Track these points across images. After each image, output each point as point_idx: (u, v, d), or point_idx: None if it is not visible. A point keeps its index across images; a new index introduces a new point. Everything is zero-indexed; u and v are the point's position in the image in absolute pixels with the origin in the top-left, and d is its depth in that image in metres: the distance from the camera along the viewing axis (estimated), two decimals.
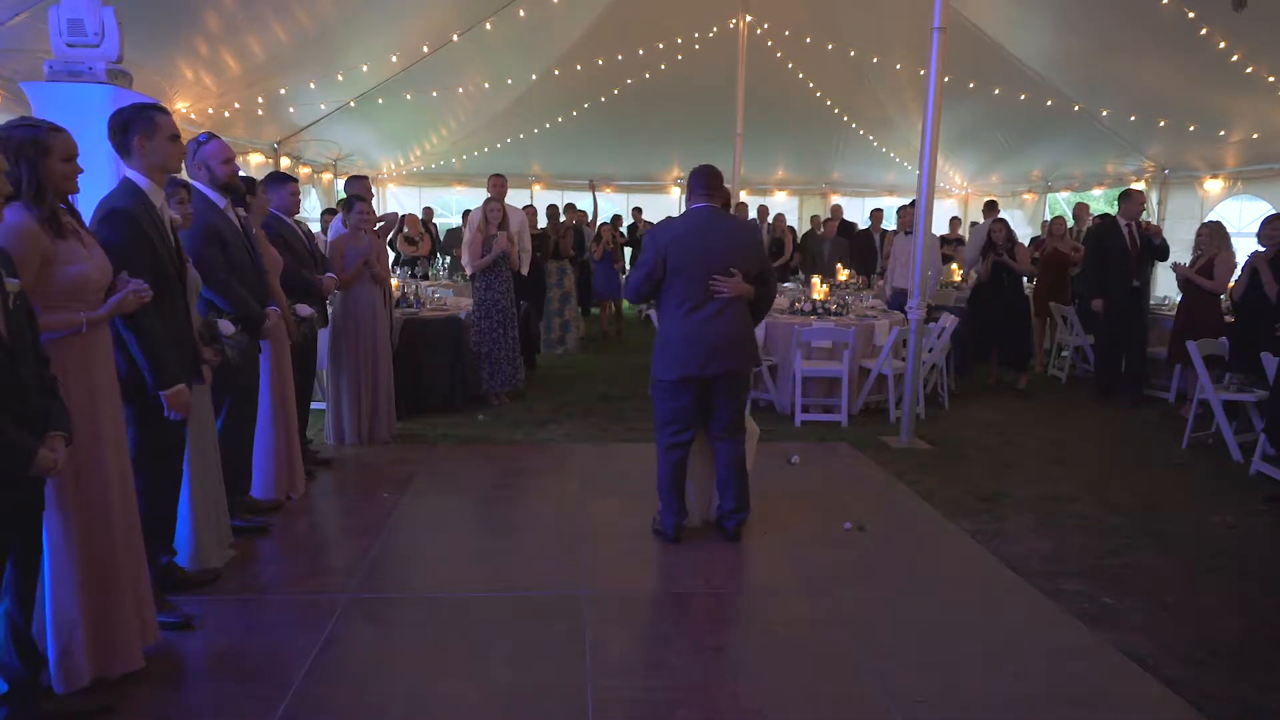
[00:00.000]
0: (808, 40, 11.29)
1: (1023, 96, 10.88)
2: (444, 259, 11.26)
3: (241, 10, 7.25)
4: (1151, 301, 8.36)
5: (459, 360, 6.98)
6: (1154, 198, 11.27)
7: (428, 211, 13.14)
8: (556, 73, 11.83)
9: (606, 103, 12.72)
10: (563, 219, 10.77)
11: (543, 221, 10.55)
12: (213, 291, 3.95)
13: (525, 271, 8.23)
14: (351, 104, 10.67)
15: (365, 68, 9.65)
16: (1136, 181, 12.02)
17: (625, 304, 12.81)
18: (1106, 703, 2.96)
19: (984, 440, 6.45)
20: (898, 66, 11.22)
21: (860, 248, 12.05)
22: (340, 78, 9.59)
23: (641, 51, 11.45)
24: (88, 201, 3.09)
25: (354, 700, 2.89)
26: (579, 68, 11.65)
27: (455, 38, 10.03)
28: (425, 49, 10.01)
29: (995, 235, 8.37)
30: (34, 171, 2.59)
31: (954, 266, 10.76)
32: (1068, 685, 3.05)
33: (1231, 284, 6.85)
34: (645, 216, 13.80)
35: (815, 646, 3.32)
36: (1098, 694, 3.01)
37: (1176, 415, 7.19)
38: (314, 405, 6.78)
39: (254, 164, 9.78)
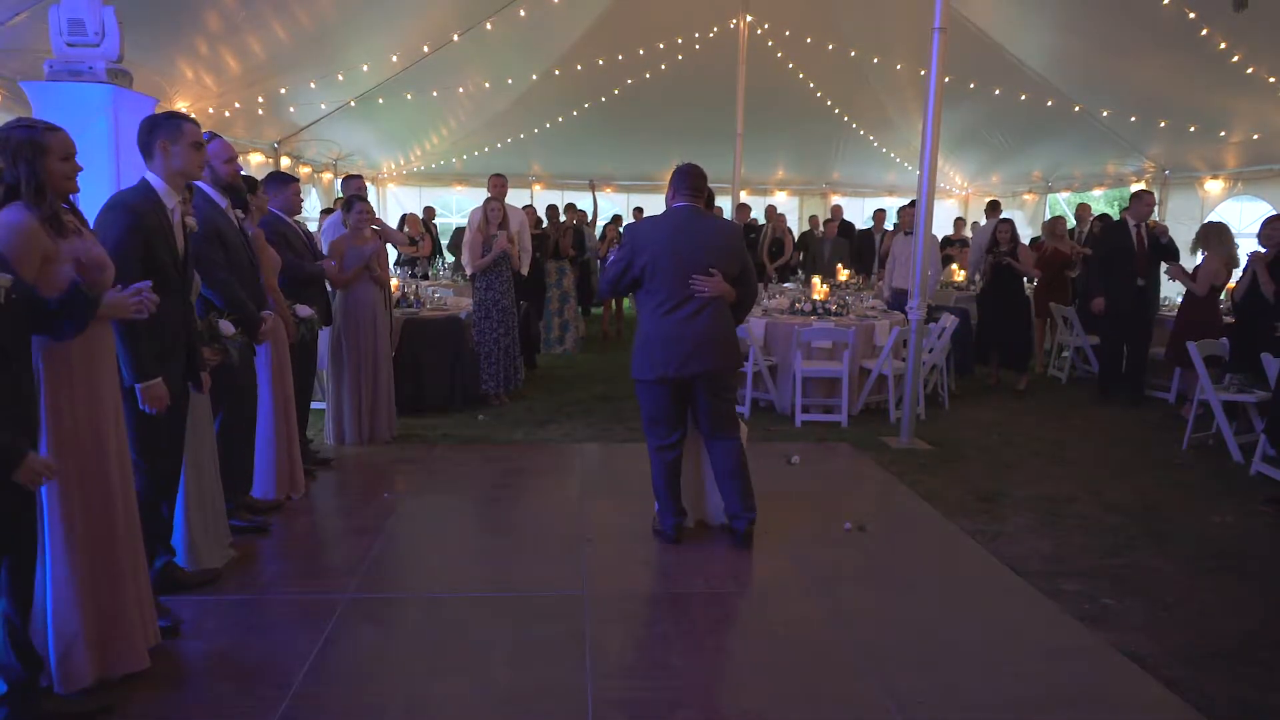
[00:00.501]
0: (808, 40, 11.29)
1: (1023, 97, 10.88)
2: (443, 260, 11.26)
3: (241, 10, 7.25)
4: (1163, 302, 8.36)
5: (459, 360, 6.98)
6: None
7: (428, 211, 13.14)
8: (556, 73, 11.83)
9: (606, 103, 12.71)
10: (563, 219, 10.77)
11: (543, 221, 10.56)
12: (212, 291, 3.95)
13: (525, 271, 8.23)
14: (352, 104, 10.67)
15: (365, 68, 9.65)
16: (1137, 182, 12.03)
17: (626, 303, 12.82)
18: (1106, 703, 2.96)
19: (984, 440, 6.45)
20: (898, 66, 11.22)
21: (861, 248, 12.06)
22: (340, 78, 9.59)
23: (641, 51, 11.45)
24: (88, 200, 3.09)
25: (354, 700, 2.89)
26: (579, 68, 11.65)
27: (455, 38, 10.03)
28: (425, 49, 10.01)
29: (1000, 235, 8.38)
30: (32, 171, 2.60)
31: (954, 266, 10.77)
32: (1068, 685, 3.05)
33: (1232, 284, 6.85)
34: (645, 216, 13.79)
35: (815, 646, 3.32)
36: (1098, 694, 3.00)
37: (1176, 415, 7.19)
38: (314, 405, 6.79)
39: (254, 164, 9.78)
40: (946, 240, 12.22)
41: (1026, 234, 12.58)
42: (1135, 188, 12.06)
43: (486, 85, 11.71)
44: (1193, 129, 9.75)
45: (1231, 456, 5.97)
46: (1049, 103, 10.80)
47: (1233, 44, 7.70)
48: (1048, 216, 11.64)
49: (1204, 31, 7.59)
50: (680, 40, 11.40)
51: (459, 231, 12.20)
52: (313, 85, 9.53)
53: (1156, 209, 10.98)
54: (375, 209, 6.67)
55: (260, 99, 9.11)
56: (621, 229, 12.77)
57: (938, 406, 7.50)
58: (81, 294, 2.48)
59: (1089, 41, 9.18)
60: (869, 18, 10.60)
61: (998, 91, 10.96)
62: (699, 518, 4.50)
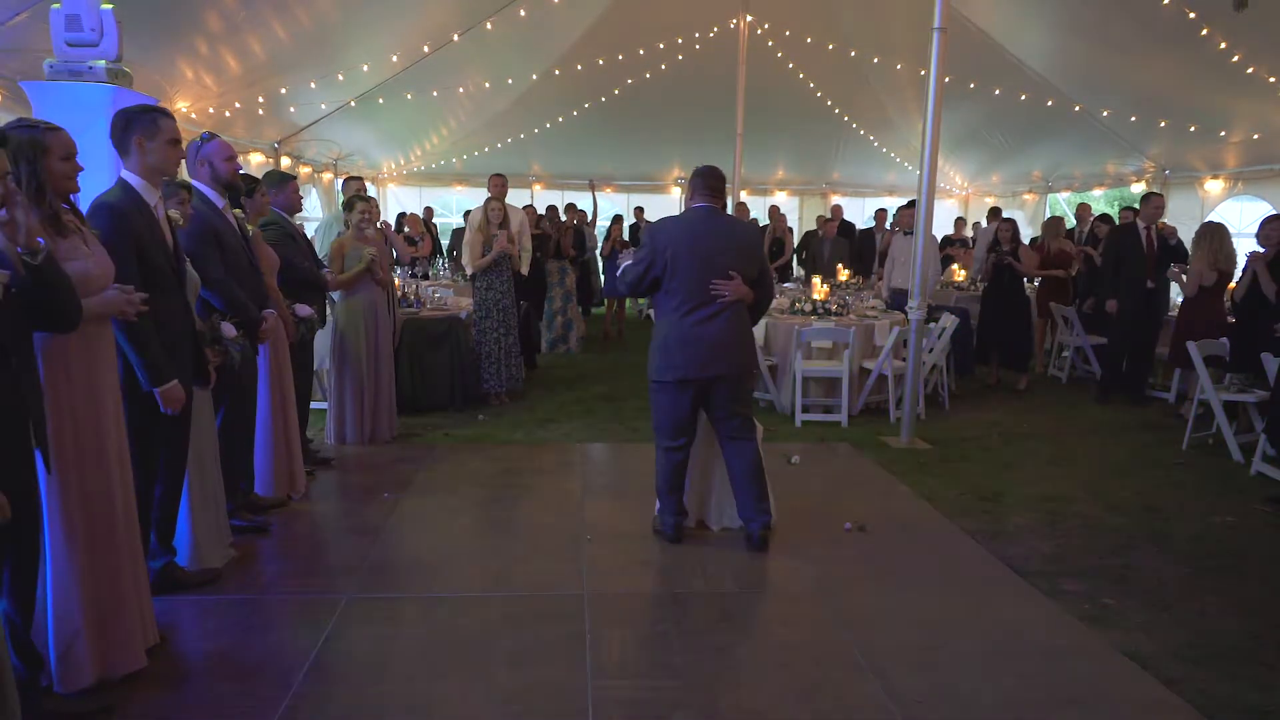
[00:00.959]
0: (808, 40, 11.28)
1: (1023, 97, 10.88)
2: (443, 260, 11.25)
3: (242, 10, 7.25)
4: (1170, 302, 8.36)
5: (459, 360, 6.98)
6: None
7: (428, 211, 13.15)
8: (556, 73, 11.82)
9: (606, 103, 12.71)
10: (563, 219, 10.78)
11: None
12: (209, 291, 3.95)
13: (525, 271, 8.23)
14: (352, 104, 10.67)
15: (366, 67, 9.64)
16: (1137, 182, 12.03)
17: (627, 304, 12.81)
18: (1106, 703, 2.96)
19: (984, 440, 6.45)
20: (898, 66, 11.22)
21: (862, 247, 12.06)
22: (341, 77, 9.58)
23: (641, 51, 11.44)
24: (87, 201, 3.10)
25: (354, 700, 2.89)
26: (579, 68, 11.65)
27: (455, 37, 10.03)
28: (426, 49, 10.00)
29: (1001, 235, 8.38)
30: (33, 171, 2.60)
31: (955, 267, 10.77)
32: (1068, 685, 3.05)
33: (1232, 285, 6.86)
34: (647, 216, 13.81)
35: (815, 646, 3.32)
36: (1098, 694, 3.00)
37: (1177, 415, 7.19)
38: (315, 405, 6.80)
39: (254, 164, 9.78)
40: (946, 240, 12.23)
41: (1026, 234, 12.59)
42: (1136, 188, 12.08)
43: (486, 85, 11.71)
44: (1193, 129, 9.75)
45: (1231, 456, 5.97)
46: (1049, 103, 10.79)
47: (1233, 44, 7.70)
48: (1048, 216, 11.64)
49: (1204, 31, 7.58)
50: (680, 40, 11.40)
51: (458, 232, 12.23)
52: (313, 85, 9.53)
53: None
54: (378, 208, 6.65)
55: (260, 99, 9.11)
56: (631, 227, 12.84)
57: (938, 406, 7.50)
58: (53, 260, 2.46)
59: (1089, 41, 9.17)
60: (869, 18, 10.60)
61: (998, 91, 10.96)
62: (699, 519, 4.50)
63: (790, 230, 12.92)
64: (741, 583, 3.90)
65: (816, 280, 8.47)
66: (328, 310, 5.70)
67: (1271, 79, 7.91)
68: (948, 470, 5.67)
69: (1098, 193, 13.93)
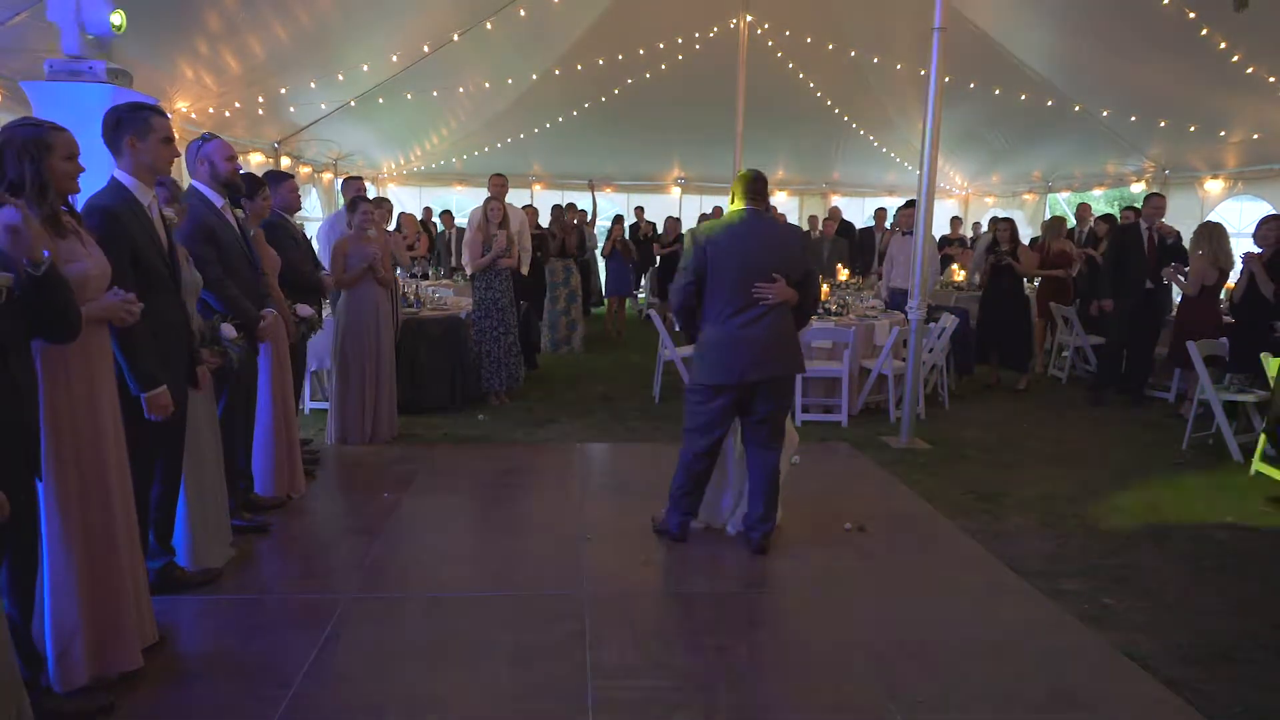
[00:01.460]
0: (808, 40, 11.28)
1: (1023, 96, 10.88)
2: (440, 259, 11.26)
3: (242, 10, 7.25)
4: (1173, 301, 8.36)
5: (459, 360, 6.99)
6: None
7: (427, 211, 13.15)
8: (556, 73, 11.82)
9: (606, 103, 12.71)
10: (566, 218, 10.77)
11: (545, 221, 10.56)
12: (206, 290, 3.94)
13: (526, 271, 8.24)
14: (352, 104, 10.67)
15: (365, 67, 9.64)
16: (1137, 182, 12.03)
17: (627, 303, 12.82)
18: (1106, 703, 2.96)
19: (984, 440, 6.45)
20: (898, 66, 11.21)
21: (861, 246, 12.06)
22: (340, 77, 9.58)
23: (641, 51, 11.44)
24: (84, 201, 3.09)
25: (354, 700, 2.89)
26: (579, 68, 11.65)
27: (455, 37, 10.02)
28: (426, 49, 10.00)
29: (999, 235, 8.38)
30: (37, 170, 2.59)
31: (954, 266, 10.77)
32: (1068, 685, 3.05)
33: (1231, 285, 6.86)
34: (647, 216, 13.82)
35: (815, 646, 3.32)
36: (1098, 694, 3.01)
37: (1176, 415, 7.19)
38: (315, 405, 6.81)
39: (254, 163, 9.78)
40: (944, 240, 12.23)
41: (1026, 234, 12.59)
42: (1135, 188, 12.08)
43: (486, 85, 11.71)
44: (1193, 129, 9.74)
45: (1231, 456, 5.97)
46: (1049, 103, 10.79)
47: (1233, 44, 7.70)
48: (1048, 216, 11.64)
49: (1204, 31, 7.58)
50: (680, 40, 11.39)
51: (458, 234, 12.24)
52: (313, 85, 9.53)
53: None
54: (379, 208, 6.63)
55: (260, 99, 9.11)
56: (632, 227, 12.84)
57: (938, 406, 7.50)
58: (55, 270, 2.45)
59: (1089, 41, 9.17)
60: (869, 18, 10.60)
61: (998, 91, 10.96)
62: (709, 522, 4.47)
63: None
64: (741, 583, 3.90)
65: None
66: (324, 310, 5.70)
67: (1271, 79, 7.91)
68: (948, 470, 5.67)
69: (1098, 193, 13.93)
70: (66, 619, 2.73)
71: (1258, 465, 5.63)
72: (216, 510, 3.91)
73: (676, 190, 16.30)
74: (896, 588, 3.86)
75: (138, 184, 3.18)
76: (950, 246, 11.90)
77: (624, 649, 3.26)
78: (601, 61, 11.49)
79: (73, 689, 2.75)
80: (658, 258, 12.35)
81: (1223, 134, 9.66)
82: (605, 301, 11.94)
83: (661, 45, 11.38)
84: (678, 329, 4.70)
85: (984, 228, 12.34)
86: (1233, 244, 7.15)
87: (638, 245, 12.96)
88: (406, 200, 14.91)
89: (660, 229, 12.83)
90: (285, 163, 10.74)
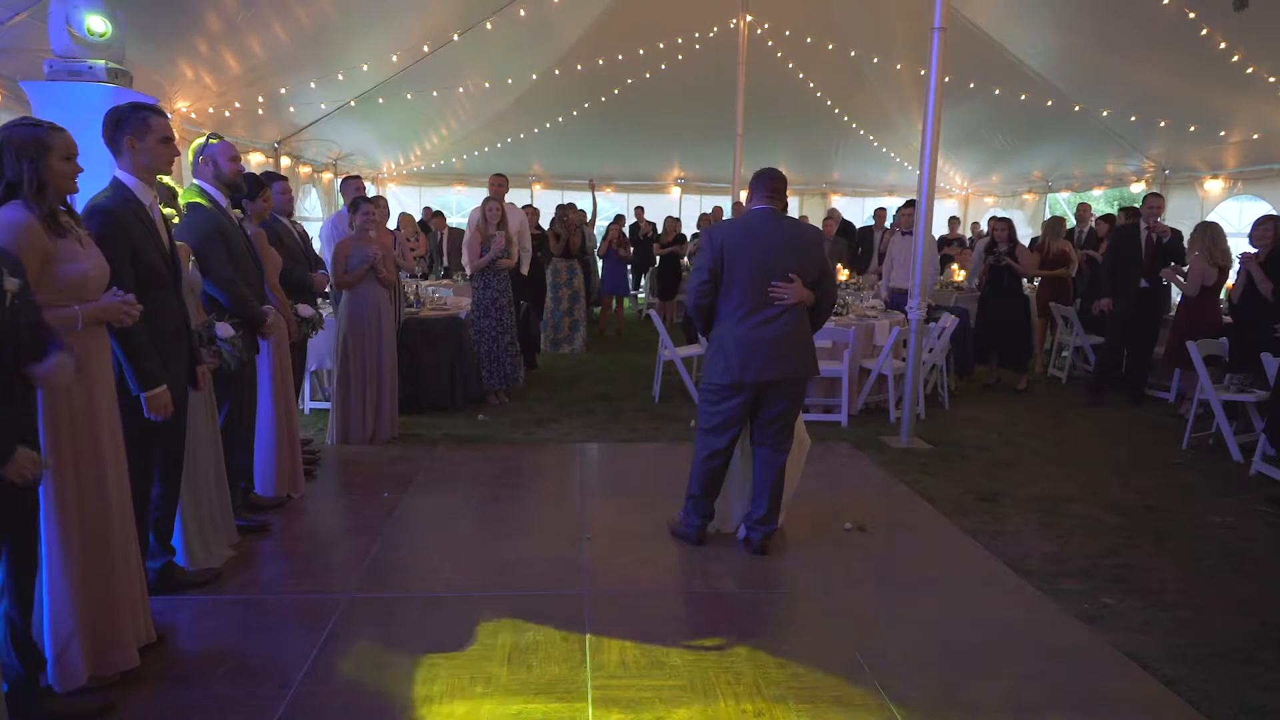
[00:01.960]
0: (808, 40, 11.29)
1: (1023, 96, 10.88)
2: (440, 259, 11.26)
3: (242, 10, 7.25)
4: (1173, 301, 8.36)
5: (459, 360, 6.99)
6: None
7: (426, 211, 13.14)
8: (556, 73, 11.83)
9: (606, 103, 12.71)
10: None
11: (547, 221, 10.55)
12: (217, 289, 3.95)
13: (526, 271, 8.24)
14: (352, 104, 10.67)
15: (365, 67, 9.64)
16: (1137, 182, 12.03)
17: (626, 303, 12.82)
18: (1106, 703, 2.96)
19: (984, 440, 6.45)
20: (898, 66, 11.22)
21: (860, 245, 12.06)
22: (340, 77, 9.59)
23: (641, 51, 11.44)
24: (85, 201, 3.09)
25: (354, 700, 2.89)
26: (579, 68, 11.65)
27: (455, 37, 10.03)
28: (426, 49, 10.00)
29: (997, 235, 8.37)
30: (35, 170, 2.59)
31: (954, 267, 10.77)
32: (1068, 685, 3.05)
33: (1230, 285, 6.86)
34: (647, 216, 13.82)
35: (815, 646, 3.32)
36: (1098, 694, 3.01)
37: (1176, 415, 7.19)
38: (315, 405, 6.81)
39: (254, 163, 9.78)
40: (943, 240, 12.23)
41: (1026, 234, 12.59)
42: (1135, 188, 12.08)
43: (486, 85, 11.71)
44: (1193, 129, 9.75)
45: (1231, 456, 5.97)
46: (1049, 103, 10.79)
47: (1233, 44, 7.70)
48: (1048, 216, 11.64)
49: (1204, 31, 7.58)
50: (680, 40, 11.40)
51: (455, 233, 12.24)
52: (313, 85, 9.53)
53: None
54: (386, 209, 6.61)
55: (260, 99, 9.11)
56: (632, 227, 12.84)
57: (938, 406, 7.50)
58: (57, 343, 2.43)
59: (1089, 41, 9.17)
60: (869, 18, 10.60)
61: (998, 91, 10.96)
62: (720, 528, 4.45)
63: None
64: (741, 583, 3.90)
65: None
66: (324, 310, 5.70)
67: (1271, 79, 7.91)
68: (947, 470, 5.67)
69: (1098, 193, 13.93)
70: (64, 619, 2.73)
71: (1258, 465, 5.64)
72: (217, 510, 3.92)
73: (676, 190, 16.31)
74: (896, 588, 3.86)
75: (139, 184, 3.18)
76: (950, 246, 11.90)
77: (624, 649, 3.26)
78: (601, 61, 11.49)
79: (72, 689, 2.75)
80: (657, 258, 12.35)
81: (1223, 134, 9.66)
82: (601, 301, 11.94)
83: (661, 45, 11.39)
84: (683, 323, 4.67)
85: (984, 228, 12.35)
86: (1230, 244, 7.15)
87: (637, 245, 12.97)
88: (406, 200, 14.92)
89: (660, 229, 12.84)
90: (285, 163, 10.75)
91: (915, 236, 6.46)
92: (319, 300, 5.68)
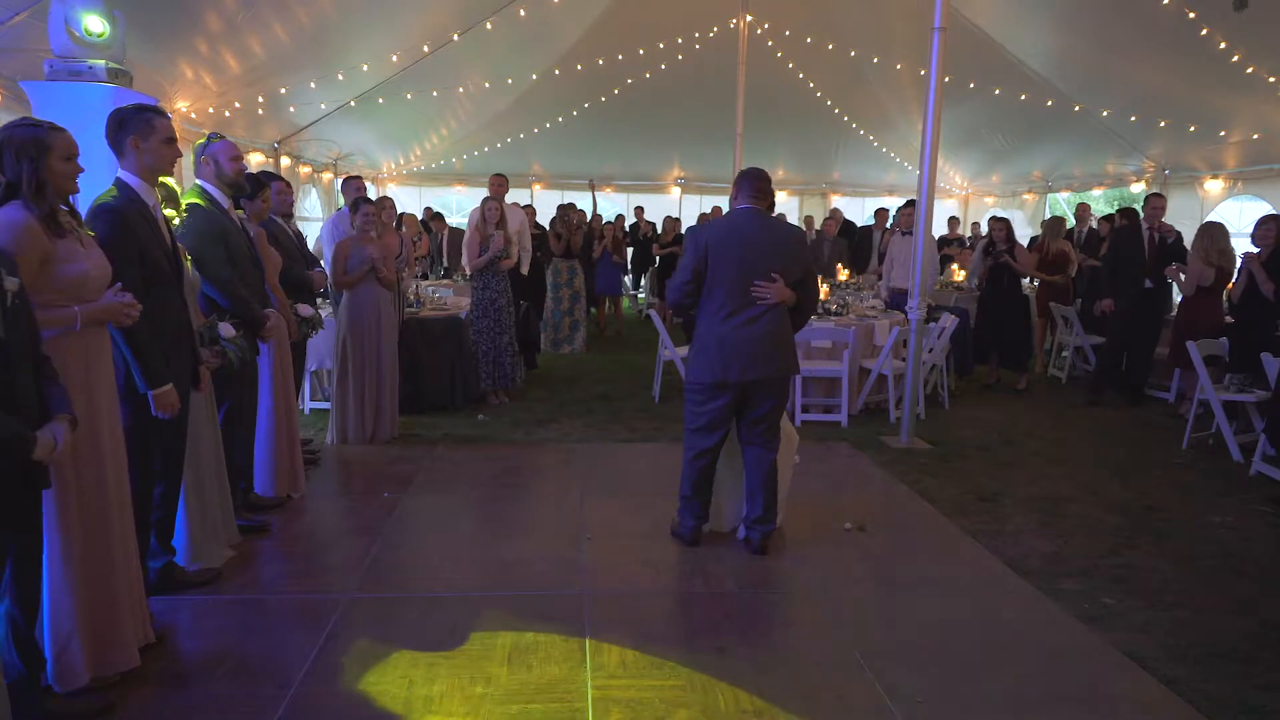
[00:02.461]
0: (808, 40, 11.29)
1: (1023, 96, 10.88)
2: (442, 259, 11.26)
3: (242, 10, 7.25)
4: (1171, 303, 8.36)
5: (459, 360, 6.99)
6: None
7: (427, 211, 13.15)
8: (556, 73, 11.83)
9: (606, 103, 12.72)
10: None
11: (545, 220, 10.54)
12: (215, 290, 3.95)
13: (525, 270, 8.24)
14: (352, 104, 10.68)
15: (365, 67, 9.65)
16: (1137, 182, 12.03)
17: (625, 303, 12.82)
18: (1106, 703, 2.96)
19: (984, 440, 6.45)
20: (898, 66, 11.22)
21: (860, 244, 12.07)
22: (340, 77, 9.59)
23: (641, 51, 11.45)
24: (86, 201, 3.09)
25: (354, 700, 2.89)
26: (579, 68, 11.65)
27: (455, 37, 10.03)
28: (426, 49, 10.01)
29: (995, 235, 8.37)
30: (35, 170, 2.59)
31: (954, 267, 10.78)
32: (1067, 685, 3.05)
33: (1230, 285, 6.86)
34: (647, 216, 13.82)
35: (815, 646, 3.32)
36: (1098, 694, 3.01)
37: (1176, 415, 7.19)
38: (315, 405, 6.81)
39: (254, 163, 9.79)
40: (943, 240, 12.23)
41: (1026, 234, 12.59)
42: (1135, 188, 12.08)
43: (486, 85, 11.71)
44: (1193, 129, 9.75)
45: (1231, 456, 5.97)
46: (1049, 103, 10.79)
47: (1233, 44, 7.70)
48: (1048, 216, 11.65)
49: (1204, 31, 7.58)
50: (680, 40, 11.40)
51: (454, 232, 12.24)
52: (313, 85, 9.53)
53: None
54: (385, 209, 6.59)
55: (260, 99, 9.11)
56: (632, 227, 12.83)
57: (938, 406, 7.50)
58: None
59: (1089, 41, 9.18)
60: (869, 18, 10.60)
61: (998, 91, 10.96)
62: (715, 527, 4.45)
63: None
64: (741, 583, 3.90)
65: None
66: (324, 310, 5.70)
67: (1271, 79, 7.91)
68: (947, 470, 5.67)
69: (1098, 193, 13.94)
70: (64, 619, 2.73)
71: (1258, 465, 5.64)
72: (217, 510, 3.91)
73: (676, 190, 16.31)
74: (896, 588, 3.86)
75: (142, 184, 3.21)
76: (950, 246, 11.90)
77: (624, 649, 3.26)
78: (601, 61, 11.49)
79: (73, 689, 2.75)
80: (657, 258, 12.35)
81: (1223, 134, 9.66)
82: (598, 301, 11.94)
83: (661, 45, 11.39)
84: (683, 323, 4.67)
85: (984, 229, 12.35)
86: (1233, 244, 7.16)
87: (637, 245, 12.97)
88: (406, 200, 14.92)
89: (660, 229, 12.84)
90: (285, 163, 10.75)
91: (915, 236, 6.46)
92: (319, 300, 5.69)
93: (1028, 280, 8.89)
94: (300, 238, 5.75)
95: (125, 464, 2.97)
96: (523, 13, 9.96)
